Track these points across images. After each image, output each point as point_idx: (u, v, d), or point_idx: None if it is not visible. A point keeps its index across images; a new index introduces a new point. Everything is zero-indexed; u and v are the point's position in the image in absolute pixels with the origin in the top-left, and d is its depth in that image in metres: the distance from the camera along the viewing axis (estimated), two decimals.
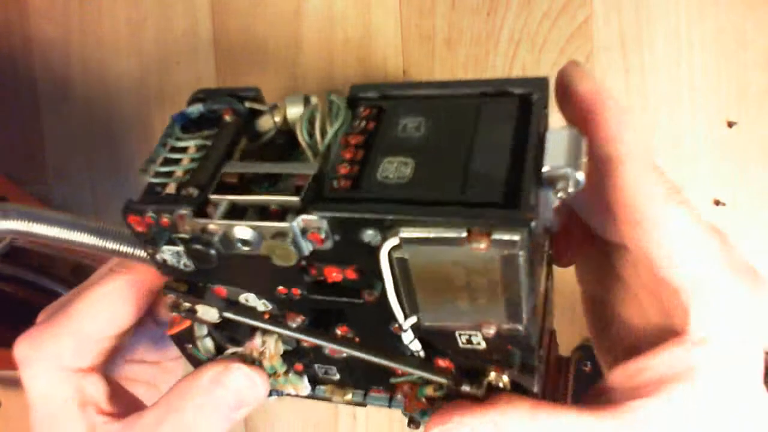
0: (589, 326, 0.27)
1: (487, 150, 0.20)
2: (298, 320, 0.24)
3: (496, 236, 0.18)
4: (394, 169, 0.20)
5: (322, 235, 0.20)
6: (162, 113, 0.56)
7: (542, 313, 0.24)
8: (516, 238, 0.18)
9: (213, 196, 0.21)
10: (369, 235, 0.20)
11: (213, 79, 0.55)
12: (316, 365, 0.28)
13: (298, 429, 0.56)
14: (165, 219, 0.22)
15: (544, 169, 0.19)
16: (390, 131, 0.21)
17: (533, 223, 0.18)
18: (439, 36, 0.53)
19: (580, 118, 0.22)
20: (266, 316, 0.25)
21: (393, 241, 0.19)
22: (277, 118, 0.24)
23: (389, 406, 0.28)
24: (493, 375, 0.23)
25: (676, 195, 0.21)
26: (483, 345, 0.22)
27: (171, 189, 0.23)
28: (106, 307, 0.26)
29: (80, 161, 0.57)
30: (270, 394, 0.28)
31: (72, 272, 0.52)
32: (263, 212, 0.21)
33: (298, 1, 0.54)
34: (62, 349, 0.26)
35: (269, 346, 0.27)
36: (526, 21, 0.53)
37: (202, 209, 0.21)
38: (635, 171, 0.21)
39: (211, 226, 0.21)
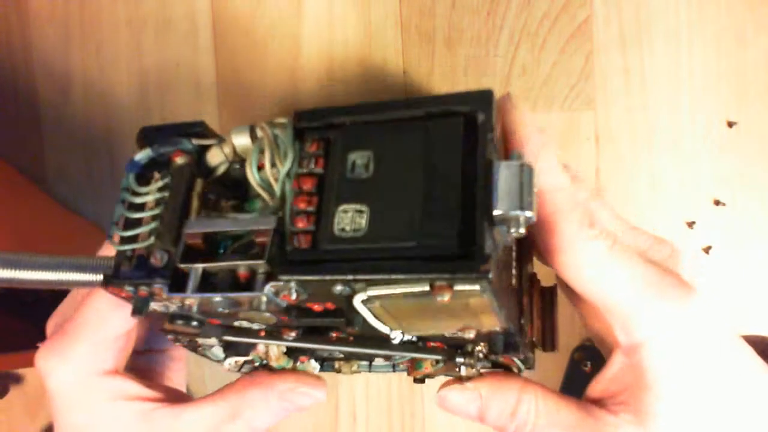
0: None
1: (438, 188, 0.20)
2: (292, 335, 0.25)
3: (458, 287, 0.19)
4: (350, 219, 0.20)
5: (293, 296, 0.21)
6: (162, 115, 0.56)
7: (518, 287, 0.26)
8: (476, 287, 0.19)
9: (182, 265, 0.21)
10: (338, 289, 0.20)
11: (213, 80, 0.55)
12: (318, 353, 0.29)
13: (297, 430, 0.56)
14: (143, 291, 0.22)
15: (495, 212, 0.19)
16: (339, 171, 0.21)
17: (490, 275, 0.18)
18: (439, 36, 0.53)
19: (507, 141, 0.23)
20: (262, 334, 0.26)
21: (362, 296, 0.20)
22: (227, 150, 0.24)
23: (393, 371, 0.30)
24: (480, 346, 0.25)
25: (588, 230, 0.22)
26: (471, 335, 0.24)
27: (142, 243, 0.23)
28: (113, 306, 0.26)
29: (80, 162, 0.57)
30: None
31: None
32: (233, 276, 0.21)
33: (298, 1, 0.54)
34: (84, 355, 0.26)
35: (271, 351, 0.27)
36: (526, 21, 0.53)
37: (175, 281, 0.22)
38: (553, 207, 0.23)
39: (187, 301, 0.22)
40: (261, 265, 0.21)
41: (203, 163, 0.24)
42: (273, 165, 0.22)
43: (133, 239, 0.23)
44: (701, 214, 0.53)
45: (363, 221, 0.20)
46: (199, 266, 0.21)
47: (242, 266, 0.21)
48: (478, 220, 0.19)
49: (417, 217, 0.20)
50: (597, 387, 0.25)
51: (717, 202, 0.52)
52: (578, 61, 0.53)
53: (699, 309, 0.22)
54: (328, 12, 0.54)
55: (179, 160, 0.24)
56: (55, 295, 0.49)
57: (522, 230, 0.19)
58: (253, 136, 0.23)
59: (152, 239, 0.23)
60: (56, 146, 0.57)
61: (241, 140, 0.23)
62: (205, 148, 0.24)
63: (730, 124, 0.52)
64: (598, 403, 0.24)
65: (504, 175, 0.19)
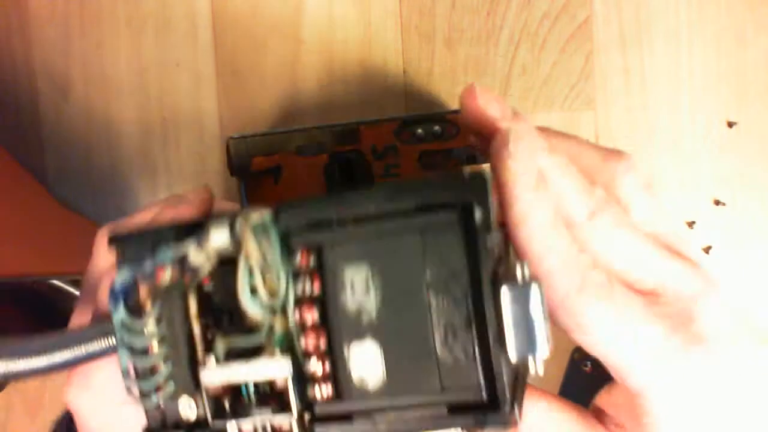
0: None
1: (448, 314, 0.19)
2: None
3: None
4: (366, 364, 0.20)
5: None
6: (162, 115, 0.56)
7: None
8: None
9: (216, 423, 0.21)
10: None
11: (213, 81, 0.55)
12: None
13: None
14: None
15: (512, 358, 0.19)
16: (340, 296, 0.20)
17: (520, 424, 0.19)
18: (439, 36, 0.54)
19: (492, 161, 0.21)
20: None
21: None
22: (209, 252, 0.21)
23: None
24: None
25: (577, 295, 0.21)
26: None
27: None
28: None
29: (80, 162, 0.57)
30: None
31: None
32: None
33: (298, 1, 0.54)
34: (104, 382, 0.26)
35: None
36: (526, 21, 0.53)
37: None
38: (547, 267, 0.21)
39: None
40: (292, 422, 0.20)
41: (187, 265, 0.22)
42: (265, 282, 0.20)
43: (153, 390, 0.22)
44: (701, 214, 0.53)
45: (380, 369, 0.20)
46: (234, 426, 0.21)
47: (272, 422, 0.21)
48: (495, 363, 0.19)
49: (433, 361, 0.19)
50: (601, 401, 0.24)
51: (717, 202, 0.52)
52: (578, 61, 0.53)
53: (709, 364, 0.21)
54: (328, 12, 0.54)
55: (164, 276, 0.21)
56: (51, 289, 0.49)
57: (541, 371, 0.19)
58: (234, 239, 0.21)
59: (172, 385, 0.22)
60: (56, 146, 0.57)
61: (220, 242, 0.21)
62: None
63: (730, 124, 0.52)
64: (602, 414, 0.24)
65: (511, 307, 0.18)
